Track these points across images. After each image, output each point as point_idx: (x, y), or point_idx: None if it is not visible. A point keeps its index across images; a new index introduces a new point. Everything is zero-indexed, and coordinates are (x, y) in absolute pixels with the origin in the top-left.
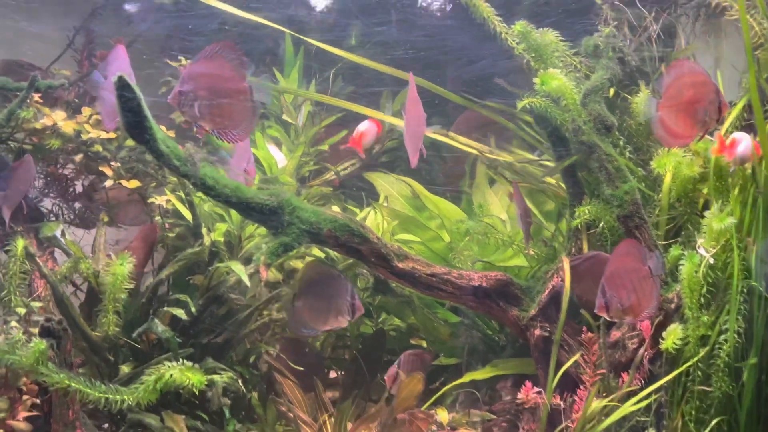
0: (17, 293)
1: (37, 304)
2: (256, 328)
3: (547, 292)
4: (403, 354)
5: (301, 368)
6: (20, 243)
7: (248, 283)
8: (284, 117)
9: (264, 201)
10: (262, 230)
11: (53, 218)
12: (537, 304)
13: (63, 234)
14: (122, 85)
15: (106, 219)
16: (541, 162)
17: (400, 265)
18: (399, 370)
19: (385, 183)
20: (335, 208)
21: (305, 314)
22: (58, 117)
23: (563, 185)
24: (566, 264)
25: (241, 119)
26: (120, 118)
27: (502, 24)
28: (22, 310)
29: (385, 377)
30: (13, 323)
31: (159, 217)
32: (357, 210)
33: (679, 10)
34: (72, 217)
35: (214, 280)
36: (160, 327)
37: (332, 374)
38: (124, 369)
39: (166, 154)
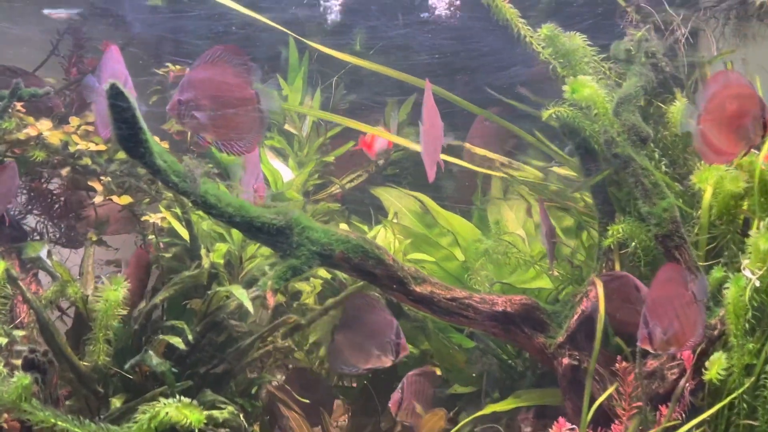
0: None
1: (19, 333)
2: (258, 356)
3: (576, 317)
4: (405, 376)
5: (307, 400)
6: (1, 265)
7: (251, 309)
8: (287, 127)
9: (270, 220)
10: (265, 250)
11: (37, 237)
12: (565, 331)
13: (49, 254)
14: (114, 93)
15: (94, 238)
16: (551, 173)
17: (418, 289)
18: (403, 395)
19: (393, 198)
20: (343, 226)
21: (345, 350)
22: (43, 126)
23: (586, 200)
24: (600, 287)
25: (248, 130)
26: (112, 130)
27: (526, 27)
28: (3, 340)
29: (390, 404)
30: None
31: (153, 236)
32: (365, 228)
33: (708, 12)
34: (57, 235)
35: (212, 305)
36: (154, 359)
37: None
38: (115, 402)
39: (163, 169)
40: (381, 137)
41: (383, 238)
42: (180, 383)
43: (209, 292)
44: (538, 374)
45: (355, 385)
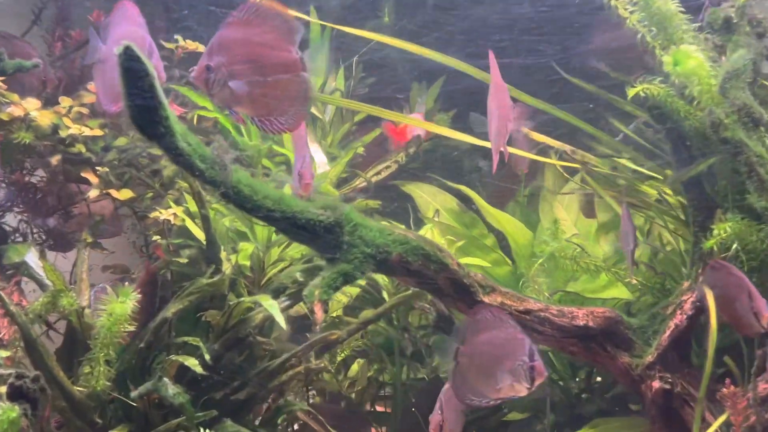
0: None
1: (3, 354)
2: (287, 379)
3: (668, 332)
4: (441, 392)
5: None
6: None
7: (283, 325)
8: (312, 110)
9: (317, 216)
10: (295, 252)
11: (19, 239)
12: (655, 349)
13: (43, 255)
14: (129, 57)
15: (89, 239)
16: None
17: (487, 299)
18: (443, 415)
19: (425, 194)
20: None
21: (471, 376)
22: (30, 105)
23: (665, 196)
24: (710, 296)
25: (292, 102)
26: (125, 104)
27: None
28: None
29: (430, 429)
30: None
31: (159, 238)
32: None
33: None
34: (44, 237)
35: (233, 318)
36: (170, 388)
37: None
38: None
39: (187, 153)
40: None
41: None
42: (201, 413)
43: (230, 303)
44: (606, 399)
45: (389, 410)
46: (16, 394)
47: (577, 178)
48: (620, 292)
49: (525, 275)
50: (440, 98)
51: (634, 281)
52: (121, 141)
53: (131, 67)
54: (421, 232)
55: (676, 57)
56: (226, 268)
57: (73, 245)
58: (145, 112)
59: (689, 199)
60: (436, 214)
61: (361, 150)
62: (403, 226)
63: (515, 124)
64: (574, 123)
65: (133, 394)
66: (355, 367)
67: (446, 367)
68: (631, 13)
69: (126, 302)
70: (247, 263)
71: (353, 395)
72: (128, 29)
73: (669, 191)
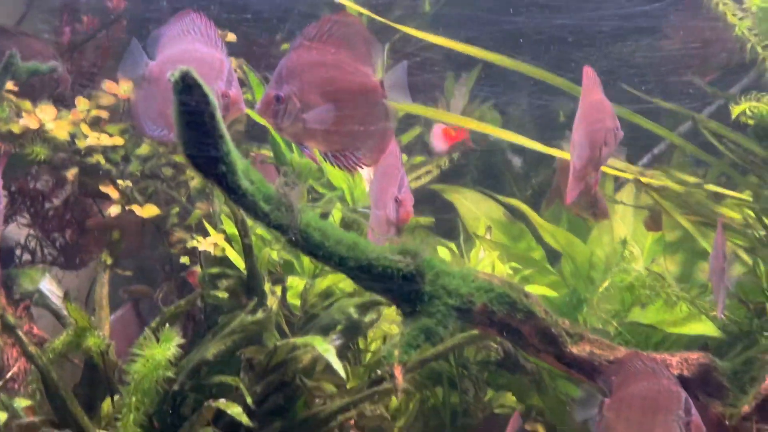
0: None
1: (23, 402)
2: (336, 426)
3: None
4: None
5: None
6: None
7: (342, 372)
8: None
9: (396, 264)
10: (346, 284)
11: (27, 257)
12: (753, 398)
13: (58, 282)
14: (188, 86)
15: (109, 261)
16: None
17: (575, 349)
18: None
19: (468, 202)
20: (442, 249)
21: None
22: (45, 115)
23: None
24: None
25: (371, 134)
26: (179, 139)
27: None
28: (2, 416)
29: None
30: None
31: (187, 259)
32: (452, 246)
33: None
34: (55, 254)
35: (276, 358)
36: (234, 407)
37: None
38: None
39: (250, 193)
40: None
41: (487, 264)
42: None
43: (277, 343)
44: None
45: None
46: None
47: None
48: (706, 328)
49: (583, 298)
50: (475, 88)
51: (723, 317)
52: (143, 149)
53: (189, 99)
54: (473, 253)
55: None
56: (272, 303)
57: (86, 263)
58: (204, 150)
59: None
60: (488, 231)
61: (405, 157)
62: (454, 245)
63: (609, 150)
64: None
65: None
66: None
67: (588, 423)
68: (741, 19)
69: (168, 347)
70: (297, 302)
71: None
72: (195, 48)
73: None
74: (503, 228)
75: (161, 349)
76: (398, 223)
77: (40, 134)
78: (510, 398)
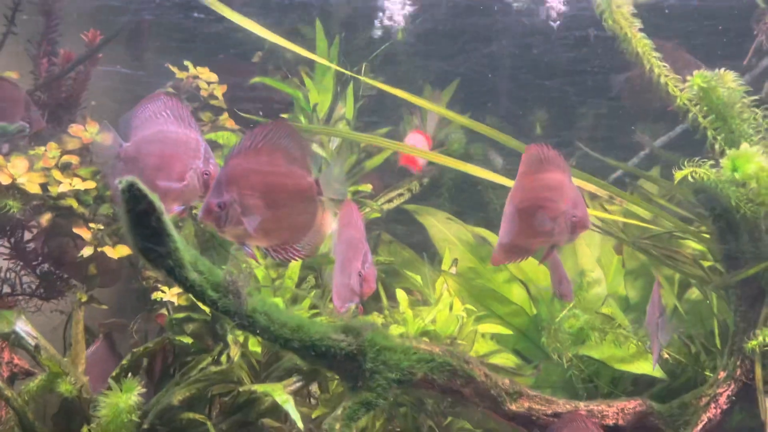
0: None
1: None
2: None
3: (700, 425)
4: None
5: None
6: None
7: (300, 425)
8: (315, 148)
9: (338, 344)
10: None
11: (6, 290)
12: None
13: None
14: (133, 195)
15: (84, 298)
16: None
17: (514, 407)
18: None
19: (439, 224)
20: (401, 293)
21: None
22: (17, 169)
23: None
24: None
25: (308, 228)
26: (130, 239)
27: (664, 66)
28: None
29: None
30: None
31: (160, 295)
32: (417, 278)
33: None
34: (33, 287)
35: (240, 399)
36: None
37: None
38: None
39: (198, 284)
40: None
41: (445, 304)
42: None
43: (240, 389)
44: None
45: None
46: None
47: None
48: (650, 369)
49: (546, 322)
50: (453, 102)
51: (666, 356)
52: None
53: (137, 207)
54: (437, 291)
55: (734, 161)
56: (234, 354)
57: (62, 292)
58: (152, 248)
59: (736, 298)
60: (454, 263)
61: (369, 188)
62: (416, 276)
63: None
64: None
65: None
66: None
67: None
68: (695, 104)
69: (131, 396)
70: (259, 349)
71: None
72: (170, 129)
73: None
74: (472, 250)
75: (124, 398)
76: (361, 296)
77: (12, 187)
78: (467, 424)
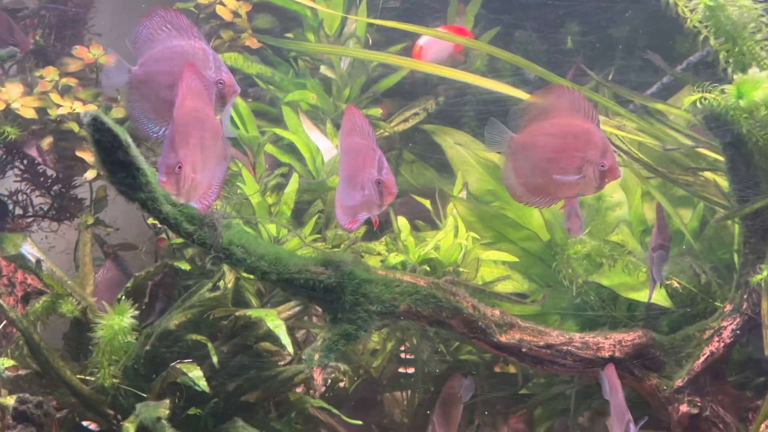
0: None
1: (6, 362)
2: (301, 381)
3: (702, 359)
4: (433, 413)
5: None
6: None
7: (290, 349)
8: (323, 70)
9: (317, 277)
10: (308, 250)
11: (19, 212)
12: (686, 374)
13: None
14: (98, 130)
15: (90, 221)
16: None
17: (504, 338)
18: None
19: (456, 145)
20: (402, 220)
21: None
22: (11, 94)
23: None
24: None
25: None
26: (103, 172)
27: None
28: None
29: None
30: None
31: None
32: (427, 203)
33: None
34: (44, 208)
35: (239, 323)
36: (195, 371)
37: None
38: (128, 427)
39: (172, 216)
40: (430, 50)
41: (450, 232)
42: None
43: (236, 314)
44: None
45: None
46: (20, 418)
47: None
48: (659, 298)
49: (560, 248)
50: (480, 16)
51: (675, 284)
52: (117, 112)
53: (102, 140)
54: (444, 230)
55: (740, 88)
56: (229, 280)
57: (74, 214)
58: (124, 181)
59: (745, 229)
60: (464, 187)
61: (379, 112)
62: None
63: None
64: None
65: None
66: (375, 338)
67: None
68: (692, 11)
69: (123, 318)
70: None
71: (375, 368)
72: (175, 44)
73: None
74: (491, 171)
75: (117, 319)
76: (382, 204)
77: (7, 113)
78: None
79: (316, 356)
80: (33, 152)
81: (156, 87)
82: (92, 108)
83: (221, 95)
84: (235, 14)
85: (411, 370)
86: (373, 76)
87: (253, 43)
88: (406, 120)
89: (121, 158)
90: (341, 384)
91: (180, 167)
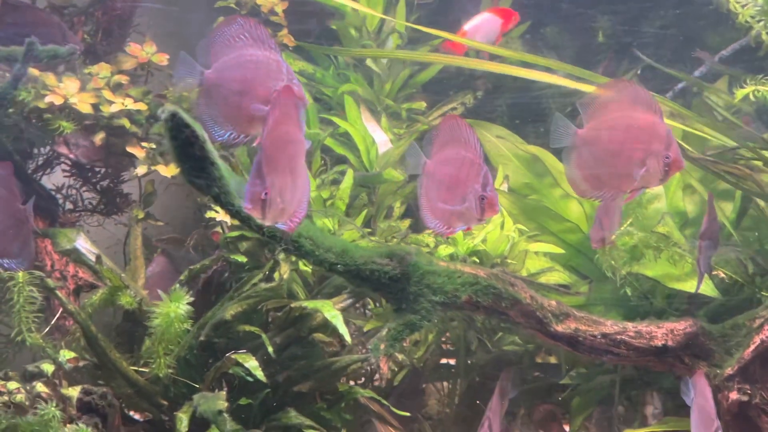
0: (39, 337)
1: (67, 354)
2: (352, 372)
3: (752, 347)
4: (488, 410)
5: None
6: (21, 276)
7: (348, 339)
8: (369, 63)
9: (382, 268)
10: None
11: (69, 206)
12: (736, 362)
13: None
14: (176, 124)
15: (141, 215)
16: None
17: (560, 328)
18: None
19: (494, 139)
20: None
21: None
22: (68, 89)
23: None
24: None
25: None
26: (177, 165)
27: None
28: (49, 367)
29: None
30: (40, 387)
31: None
32: None
33: None
34: (94, 204)
35: (293, 314)
36: (251, 361)
37: None
38: (182, 418)
39: (243, 209)
40: (479, 32)
41: (496, 224)
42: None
43: (292, 305)
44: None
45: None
46: (85, 409)
47: None
48: (705, 288)
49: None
50: (514, 6)
51: (722, 275)
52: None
53: (179, 135)
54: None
55: None
56: (285, 271)
57: (122, 208)
58: (199, 176)
59: None
60: (505, 179)
61: (422, 105)
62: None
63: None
64: None
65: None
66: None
67: None
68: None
69: (179, 305)
70: (308, 269)
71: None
72: (250, 52)
73: None
74: (527, 165)
75: (173, 306)
76: (482, 219)
77: (65, 107)
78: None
79: (382, 346)
80: (63, 149)
81: (226, 92)
82: (143, 106)
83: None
84: (272, 12)
85: (453, 361)
86: (413, 69)
87: (290, 41)
88: (443, 114)
89: (197, 153)
90: (386, 374)
91: (266, 193)
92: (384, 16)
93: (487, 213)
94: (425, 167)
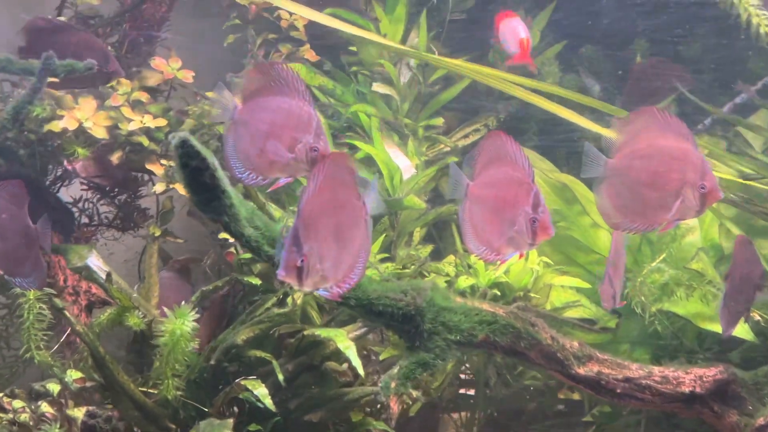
0: (48, 355)
1: (74, 374)
2: (365, 403)
3: None
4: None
5: None
6: (31, 294)
7: (361, 371)
8: (375, 87)
9: (396, 304)
10: (371, 272)
11: (85, 220)
12: None
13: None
14: (186, 152)
15: (158, 233)
16: None
17: (582, 371)
18: None
19: None
20: None
21: None
22: (83, 112)
23: None
24: None
25: (364, 250)
26: (186, 191)
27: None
28: (56, 387)
29: None
30: (45, 407)
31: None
32: None
33: None
34: (109, 218)
35: (305, 341)
36: (260, 388)
37: None
38: None
39: (253, 239)
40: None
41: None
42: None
43: (304, 332)
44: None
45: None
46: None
47: None
48: (741, 331)
49: (631, 274)
50: (549, 27)
51: (757, 317)
52: (187, 125)
53: (190, 163)
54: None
55: None
56: (298, 297)
57: (139, 224)
58: (208, 204)
59: None
60: None
61: (440, 122)
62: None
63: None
64: None
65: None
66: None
67: None
68: None
69: (185, 323)
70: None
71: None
72: (285, 99)
73: None
74: (557, 191)
75: (179, 323)
76: (534, 244)
77: (80, 132)
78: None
79: (393, 384)
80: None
81: (252, 132)
82: (162, 122)
83: (313, 162)
84: (292, 27)
85: (471, 392)
86: (434, 89)
87: (311, 56)
88: (466, 136)
89: (207, 181)
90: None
91: (303, 260)
92: (403, 47)
93: (539, 236)
94: (468, 190)
